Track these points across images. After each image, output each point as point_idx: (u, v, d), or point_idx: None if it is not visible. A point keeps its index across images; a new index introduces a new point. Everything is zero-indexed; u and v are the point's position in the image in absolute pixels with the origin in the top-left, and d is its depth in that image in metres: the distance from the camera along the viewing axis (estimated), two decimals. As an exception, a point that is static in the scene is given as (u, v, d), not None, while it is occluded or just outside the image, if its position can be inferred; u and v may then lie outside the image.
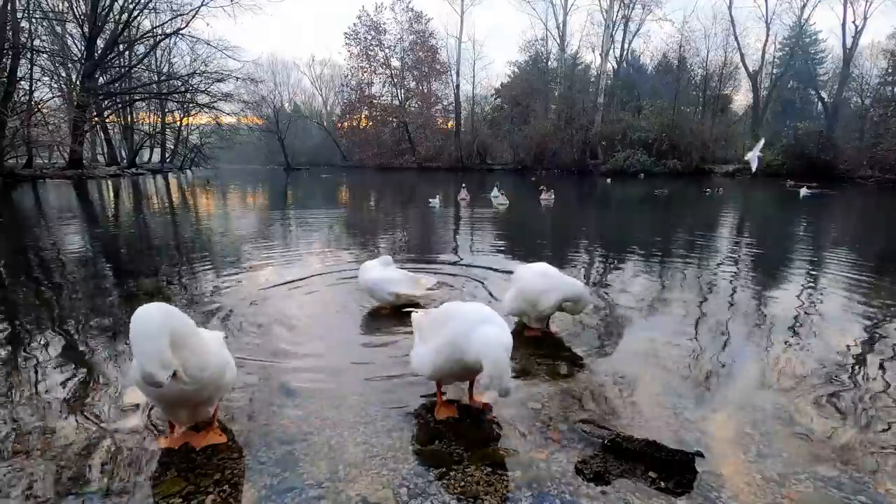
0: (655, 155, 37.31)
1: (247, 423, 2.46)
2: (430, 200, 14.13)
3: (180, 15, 34.12)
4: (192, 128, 49.43)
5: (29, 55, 27.56)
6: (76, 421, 2.45)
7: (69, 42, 34.08)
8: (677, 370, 3.10)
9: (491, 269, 5.94)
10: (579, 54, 50.54)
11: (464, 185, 15.93)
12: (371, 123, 55.80)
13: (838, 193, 20.42)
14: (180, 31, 35.21)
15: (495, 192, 15.06)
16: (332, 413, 2.55)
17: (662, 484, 2.00)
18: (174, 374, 1.88)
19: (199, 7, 33.91)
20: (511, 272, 4.14)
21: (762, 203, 17.90)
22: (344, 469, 2.10)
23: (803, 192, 18.01)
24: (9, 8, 24.92)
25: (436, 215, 12.16)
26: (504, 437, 2.35)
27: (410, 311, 2.94)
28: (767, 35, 43.42)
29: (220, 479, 2.03)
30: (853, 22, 40.05)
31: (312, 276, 5.58)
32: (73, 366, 3.11)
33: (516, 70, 52.50)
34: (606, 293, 4.88)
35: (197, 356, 2.01)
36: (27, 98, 28.89)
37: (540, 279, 3.55)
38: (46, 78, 32.14)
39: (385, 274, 4.28)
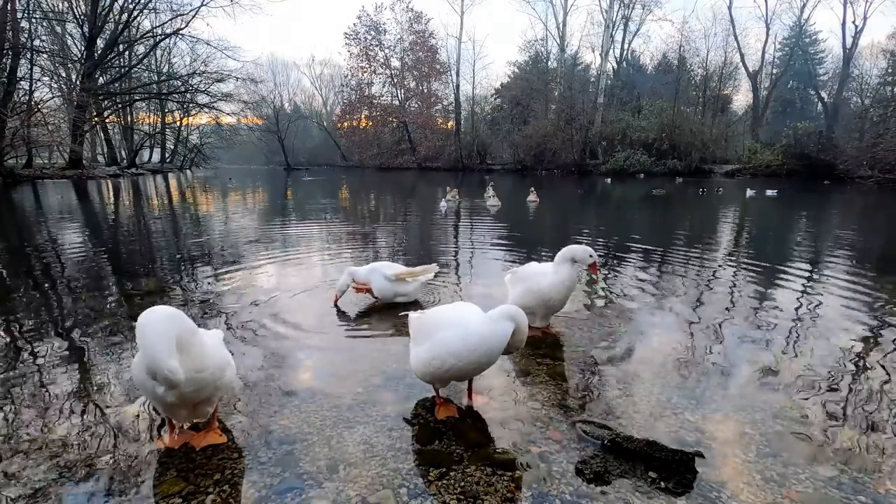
0: (655, 155, 37.36)
1: (247, 423, 2.46)
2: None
3: (180, 15, 34.27)
4: (192, 128, 49.57)
5: (29, 55, 27.62)
6: (76, 421, 2.46)
7: (69, 42, 34.20)
8: (677, 370, 3.10)
9: (488, 266, 5.94)
10: (579, 54, 50.68)
11: (448, 187, 16.28)
12: (371, 123, 55.83)
13: (791, 193, 20.93)
14: (180, 32, 35.35)
15: (489, 192, 15.11)
16: (332, 413, 2.55)
17: (662, 484, 2.00)
18: None
19: (199, 7, 34.08)
20: (506, 271, 4.18)
21: (738, 203, 17.99)
22: (344, 469, 2.10)
23: (748, 192, 19.67)
24: (9, 8, 24.95)
25: (437, 215, 12.15)
26: (504, 437, 2.35)
27: (407, 313, 2.93)
28: (767, 35, 43.54)
29: (220, 479, 2.03)
30: (853, 22, 40.14)
31: (313, 275, 5.58)
32: (73, 366, 3.11)
33: (516, 70, 52.57)
34: (605, 293, 4.88)
35: (194, 358, 2.02)
36: (27, 98, 28.93)
37: (543, 277, 3.59)
38: (46, 78, 32.28)
39: (379, 263, 4.39)
